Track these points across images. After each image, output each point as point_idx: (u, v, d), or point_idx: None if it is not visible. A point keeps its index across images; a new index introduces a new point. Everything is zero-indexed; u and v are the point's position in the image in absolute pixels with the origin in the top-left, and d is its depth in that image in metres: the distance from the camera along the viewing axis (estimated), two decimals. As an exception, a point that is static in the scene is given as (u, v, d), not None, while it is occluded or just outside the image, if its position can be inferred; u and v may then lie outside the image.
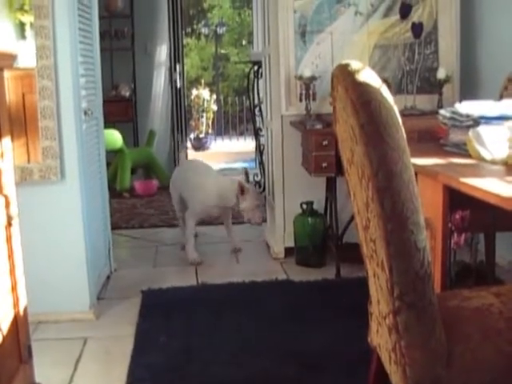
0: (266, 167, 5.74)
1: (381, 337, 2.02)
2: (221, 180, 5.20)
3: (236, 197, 4.91)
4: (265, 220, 5.34)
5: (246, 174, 5.08)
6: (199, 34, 20.57)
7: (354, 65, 1.78)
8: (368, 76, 1.76)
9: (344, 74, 1.79)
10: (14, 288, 2.44)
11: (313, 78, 4.52)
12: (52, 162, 3.67)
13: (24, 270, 2.54)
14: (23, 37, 3.69)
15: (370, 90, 1.73)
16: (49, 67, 3.59)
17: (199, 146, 13.04)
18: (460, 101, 3.24)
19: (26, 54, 3.61)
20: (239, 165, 9.69)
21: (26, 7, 3.62)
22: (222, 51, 20.27)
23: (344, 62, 1.82)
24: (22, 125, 3.66)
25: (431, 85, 4.79)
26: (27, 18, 3.63)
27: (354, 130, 1.77)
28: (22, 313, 2.51)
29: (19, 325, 2.48)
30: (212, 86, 17.44)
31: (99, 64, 4.51)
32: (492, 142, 2.56)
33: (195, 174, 5.27)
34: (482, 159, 2.57)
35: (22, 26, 3.67)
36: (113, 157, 7.59)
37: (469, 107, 2.82)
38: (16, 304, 2.46)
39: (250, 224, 5.09)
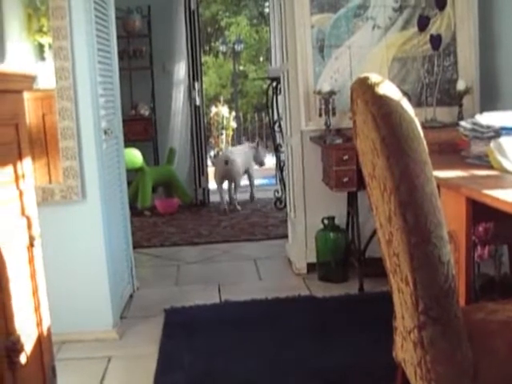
0: (286, 183, 5.74)
1: (406, 352, 2.00)
2: None
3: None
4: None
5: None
6: (217, 51, 20.69)
7: (374, 78, 1.77)
8: (388, 89, 1.75)
9: (364, 88, 1.78)
10: (37, 308, 2.44)
11: (332, 93, 4.51)
12: (73, 181, 3.68)
13: (47, 290, 2.54)
14: (42, 58, 3.72)
15: (390, 102, 1.72)
16: (68, 88, 3.61)
17: (219, 162, 13.06)
18: (480, 112, 3.22)
19: (46, 76, 3.63)
20: (260, 181, 9.68)
21: (45, 29, 3.65)
22: (240, 68, 20.35)
23: (363, 75, 1.81)
24: (43, 145, 3.68)
25: (451, 97, 4.77)
26: (46, 40, 3.65)
27: (374, 143, 1.76)
28: (45, 333, 2.51)
29: (43, 345, 2.48)
30: (231, 103, 17.49)
31: (118, 83, 4.53)
32: (514, 153, 2.54)
33: None
34: (505, 170, 2.55)
35: (40, 47, 3.70)
36: (134, 175, 7.61)
37: (490, 118, 2.80)
38: (39, 324, 2.45)
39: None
